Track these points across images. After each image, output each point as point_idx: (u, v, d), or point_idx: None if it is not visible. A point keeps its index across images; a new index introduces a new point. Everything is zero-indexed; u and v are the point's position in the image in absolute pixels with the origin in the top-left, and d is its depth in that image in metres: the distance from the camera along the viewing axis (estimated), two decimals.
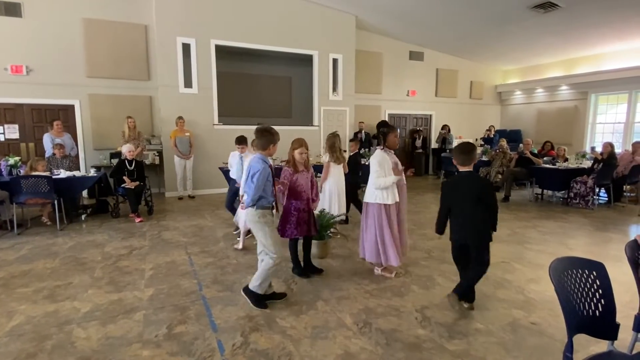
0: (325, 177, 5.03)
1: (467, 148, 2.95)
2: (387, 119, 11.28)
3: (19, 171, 5.75)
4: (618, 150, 8.51)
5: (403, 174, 3.62)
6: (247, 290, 3.10)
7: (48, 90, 7.57)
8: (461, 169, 2.96)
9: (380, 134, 3.61)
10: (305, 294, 3.36)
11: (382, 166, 3.51)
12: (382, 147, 3.60)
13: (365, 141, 10.19)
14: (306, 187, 3.56)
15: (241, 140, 5.11)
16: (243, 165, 5.18)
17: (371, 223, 3.60)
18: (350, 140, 6.31)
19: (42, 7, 7.35)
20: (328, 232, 4.27)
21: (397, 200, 3.60)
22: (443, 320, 2.91)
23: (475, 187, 2.89)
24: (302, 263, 3.79)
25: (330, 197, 5.02)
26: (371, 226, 3.60)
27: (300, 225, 3.55)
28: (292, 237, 3.61)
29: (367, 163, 8.09)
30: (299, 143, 3.51)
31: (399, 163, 3.66)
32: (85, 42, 7.70)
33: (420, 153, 11.63)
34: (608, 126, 10.36)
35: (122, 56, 8.00)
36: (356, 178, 5.71)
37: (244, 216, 4.50)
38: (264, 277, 3.04)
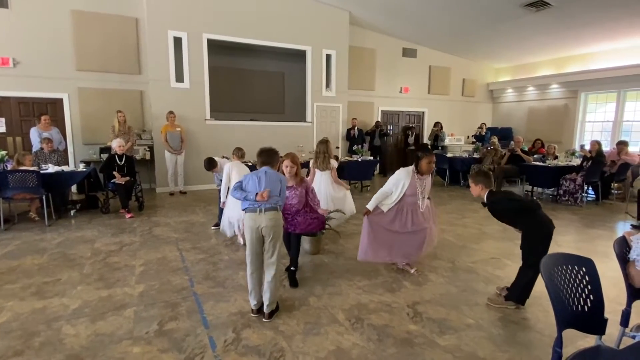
0: (311, 179, 4.93)
1: (488, 173, 3.22)
2: (379, 116, 11.29)
3: (6, 166, 5.64)
4: (606, 148, 8.64)
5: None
6: (271, 314, 2.85)
7: (36, 83, 7.41)
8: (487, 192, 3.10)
9: (415, 157, 3.54)
10: (297, 290, 3.36)
11: (396, 185, 3.50)
12: (414, 169, 3.52)
13: (358, 138, 10.20)
14: (291, 201, 3.43)
15: (211, 166, 5.04)
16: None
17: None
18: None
19: None
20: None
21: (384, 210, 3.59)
22: (434, 315, 2.93)
23: None
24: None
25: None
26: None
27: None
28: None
29: (359, 159, 8.28)
30: (286, 156, 3.45)
31: (427, 188, 3.57)
32: (74, 35, 7.55)
33: (413, 150, 11.67)
34: (597, 124, 10.50)
35: (112, 49, 7.87)
36: None
37: (229, 213, 4.49)
38: (278, 287, 2.97)
